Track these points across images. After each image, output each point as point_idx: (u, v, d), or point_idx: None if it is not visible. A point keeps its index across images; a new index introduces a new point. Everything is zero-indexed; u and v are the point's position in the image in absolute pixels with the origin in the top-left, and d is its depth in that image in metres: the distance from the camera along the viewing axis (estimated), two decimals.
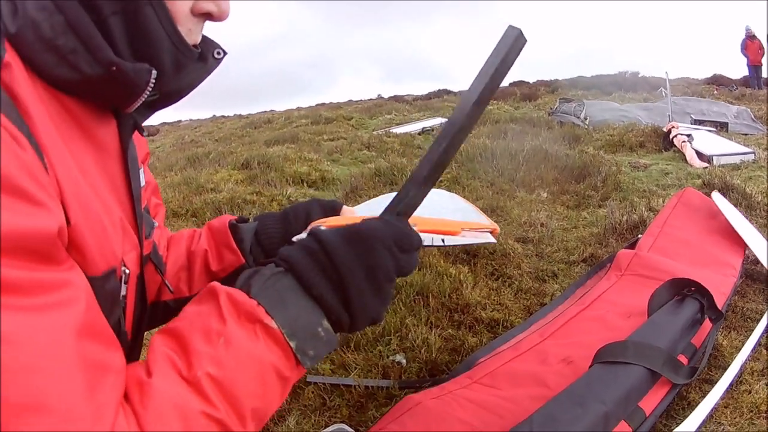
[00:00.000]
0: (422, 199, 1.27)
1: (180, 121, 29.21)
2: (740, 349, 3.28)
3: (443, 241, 1.65)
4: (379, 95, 30.61)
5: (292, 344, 1.10)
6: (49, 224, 0.91)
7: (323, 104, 30.41)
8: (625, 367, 2.70)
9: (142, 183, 1.47)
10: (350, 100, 30.45)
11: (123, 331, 1.30)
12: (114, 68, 1.11)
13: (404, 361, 3.54)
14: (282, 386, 1.12)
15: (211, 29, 1.32)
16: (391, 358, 3.59)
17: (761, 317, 3.60)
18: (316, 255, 1.15)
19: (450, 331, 3.87)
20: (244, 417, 1.05)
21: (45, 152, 0.98)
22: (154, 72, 1.17)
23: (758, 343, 3.39)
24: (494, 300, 4.30)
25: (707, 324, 3.32)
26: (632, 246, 4.50)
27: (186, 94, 1.36)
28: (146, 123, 1.40)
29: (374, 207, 1.89)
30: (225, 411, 1.01)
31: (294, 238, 1.28)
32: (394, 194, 2.10)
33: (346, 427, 2.94)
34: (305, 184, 8.81)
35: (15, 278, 0.84)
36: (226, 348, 1.04)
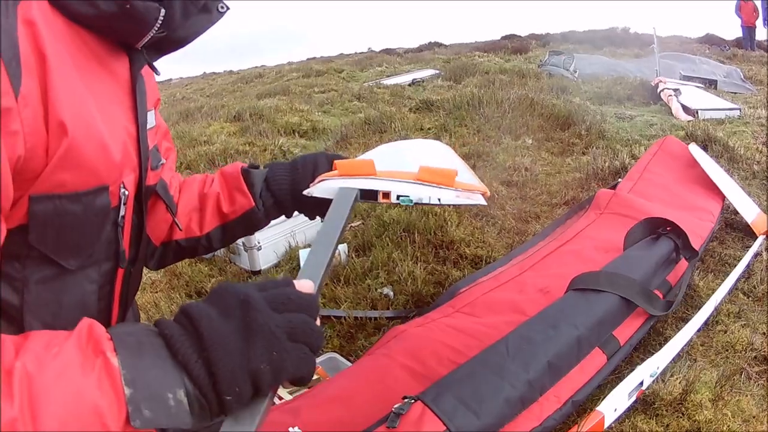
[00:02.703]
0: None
1: (170, 80, 28.88)
2: (716, 291, 3.41)
3: (439, 200, 1.79)
4: (369, 48, 30.36)
5: (127, 391, 0.92)
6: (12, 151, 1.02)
7: (314, 58, 30.16)
8: (599, 294, 2.83)
9: (153, 123, 1.58)
10: (341, 54, 30.22)
11: (121, 250, 1.41)
12: (127, 6, 1.23)
13: (392, 293, 3.70)
14: None
15: None
16: (379, 290, 3.74)
17: (738, 263, 3.74)
18: (181, 320, 1.04)
19: (435, 265, 4.01)
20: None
21: (48, 74, 1.09)
22: (163, 11, 1.30)
23: (735, 287, 3.54)
24: (478, 238, 4.43)
25: (683, 264, 3.45)
26: (612, 188, 4.59)
27: (191, 41, 1.49)
28: None
29: (382, 152, 2.03)
30: (20, 409, 0.84)
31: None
32: (398, 142, 2.21)
33: (338, 356, 3.09)
34: (296, 134, 8.88)
35: None
36: (56, 357, 0.91)
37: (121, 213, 1.37)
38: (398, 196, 1.76)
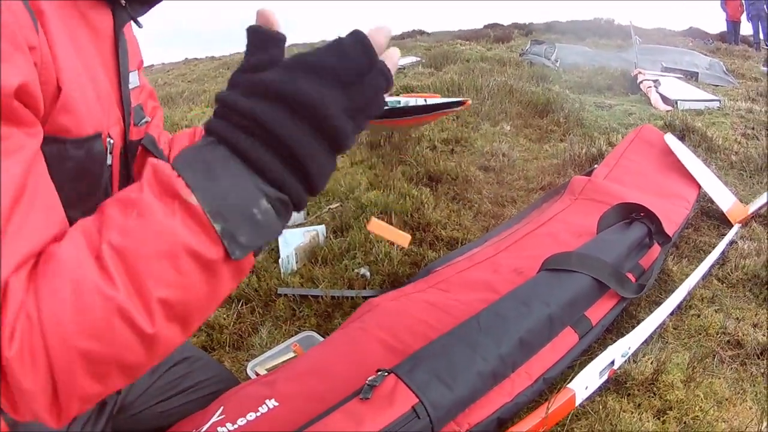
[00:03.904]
0: None
1: (152, 66, 28.68)
2: (690, 276, 3.46)
3: (425, 100, 1.87)
4: None
5: (217, 227, 0.92)
6: (10, 80, 0.95)
7: (296, 44, 30.04)
8: (570, 274, 2.88)
9: (136, 83, 1.61)
10: (323, 40, 29.97)
11: None
12: None
13: (368, 273, 3.74)
14: (210, 279, 0.95)
15: None
16: (356, 270, 3.78)
17: (713, 250, 3.79)
18: (239, 122, 0.98)
19: (411, 247, 4.04)
20: (149, 304, 0.89)
21: (45, 24, 1.10)
22: None
23: (709, 273, 3.59)
24: (454, 221, 4.48)
25: (656, 249, 3.49)
26: (588, 174, 4.64)
27: None
28: None
29: None
30: (125, 290, 0.87)
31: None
32: None
33: (315, 334, 3.12)
34: None
35: None
36: (137, 219, 0.91)
37: (108, 162, 1.39)
38: (386, 103, 1.85)
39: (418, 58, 15.81)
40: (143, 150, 1.76)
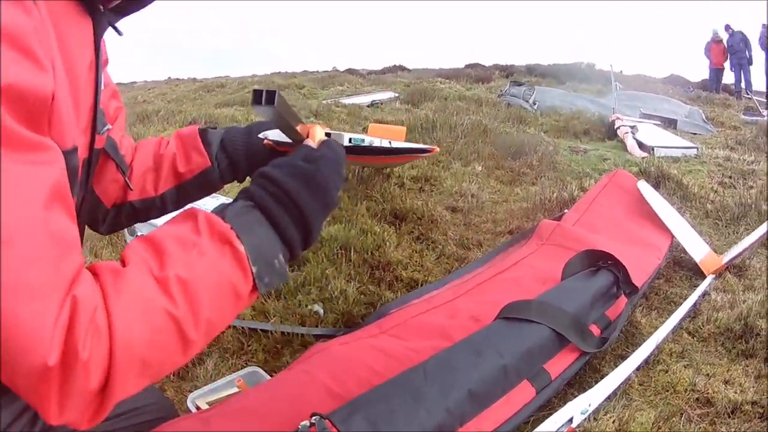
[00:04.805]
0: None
1: (134, 83, 28.91)
2: (659, 329, 3.35)
3: (390, 143, 1.86)
4: (334, 67, 30.50)
5: (254, 269, 1.26)
6: (47, 88, 1.03)
7: (279, 72, 30.18)
8: (528, 324, 2.76)
9: (101, 86, 1.54)
10: (305, 71, 30.25)
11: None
12: None
13: (322, 311, 3.62)
14: (236, 306, 1.27)
15: None
16: (309, 307, 3.65)
17: (684, 302, 3.68)
18: (276, 195, 1.36)
19: (369, 286, 3.93)
20: (198, 323, 1.15)
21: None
22: None
23: (680, 327, 3.49)
24: (416, 261, 4.36)
25: (624, 299, 3.38)
26: (558, 219, 4.55)
27: (150, 2, 1.53)
28: None
29: None
30: (184, 311, 1.12)
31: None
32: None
33: (260, 371, 3.00)
34: None
35: (11, 130, 0.95)
36: (198, 257, 1.19)
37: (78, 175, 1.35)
38: (350, 139, 1.92)
39: (396, 94, 15.89)
40: (104, 154, 1.75)
